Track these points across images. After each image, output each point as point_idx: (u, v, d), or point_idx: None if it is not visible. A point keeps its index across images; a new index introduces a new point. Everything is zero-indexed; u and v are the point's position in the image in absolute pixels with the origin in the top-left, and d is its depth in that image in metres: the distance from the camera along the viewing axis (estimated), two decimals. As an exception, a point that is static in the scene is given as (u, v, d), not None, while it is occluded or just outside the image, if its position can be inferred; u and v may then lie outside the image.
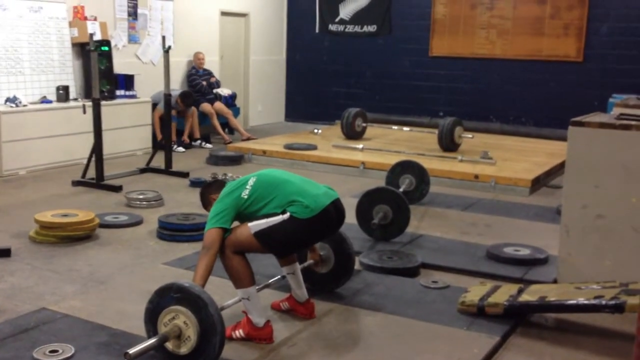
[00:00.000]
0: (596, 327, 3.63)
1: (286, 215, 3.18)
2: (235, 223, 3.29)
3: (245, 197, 3.25)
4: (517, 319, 3.63)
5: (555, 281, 4.16)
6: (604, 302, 3.38)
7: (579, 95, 9.79)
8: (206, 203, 3.53)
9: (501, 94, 10.59)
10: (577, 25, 9.88)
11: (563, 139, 4.63)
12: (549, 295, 3.61)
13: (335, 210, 3.33)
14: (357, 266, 4.50)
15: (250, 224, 3.21)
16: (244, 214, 3.27)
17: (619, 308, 3.33)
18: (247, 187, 3.28)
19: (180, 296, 2.93)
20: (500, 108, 10.60)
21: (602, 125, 3.99)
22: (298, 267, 3.62)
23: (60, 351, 3.10)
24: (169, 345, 2.94)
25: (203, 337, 2.88)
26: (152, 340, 2.91)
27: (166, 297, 2.97)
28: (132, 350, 2.79)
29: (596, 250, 3.99)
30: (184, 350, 2.92)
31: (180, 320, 2.91)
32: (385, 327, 3.56)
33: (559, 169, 7.54)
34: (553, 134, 9.60)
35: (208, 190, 3.54)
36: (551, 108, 10.12)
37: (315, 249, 3.81)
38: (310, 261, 3.80)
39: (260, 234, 3.19)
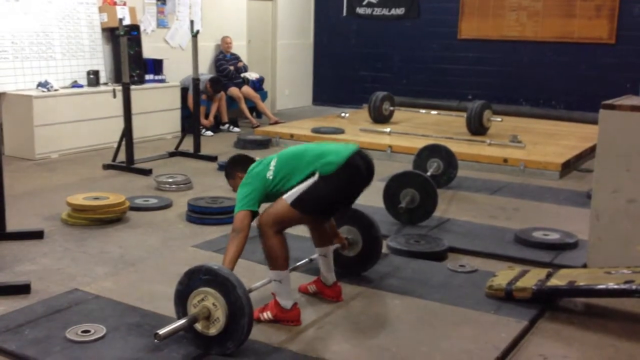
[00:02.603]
0: (626, 312, 3.60)
1: (315, 177, 3.19)
2: (263, 207, 3.31)
3: (271, 177, 3.27)
4: (546, 303, 3.61)
5: (584, 266, 4.12)
6: (634, 287, 3.34)
7: (610, 78, 9.63)
8: (231, 178, 3.54)
9: (531, 76, 10.45)
10: (609, 7, 9.69)
11: (594, 122, 4.56)
12: (578, 280, 3.58)
13: (361, 158, 3.31)
14: (384, 250, 4.51)
15: (284, 197, 3.23)
16: (272, 194, 3.29)
17: (649, 293, 3.29)
18: (271, 168, 3.30)
19: (209, 278, 2.96)
20: (530, 91, 10.47)
21: (634, 108, 3.93)
22: (331, 250, 3.64)
23: (92, 331, 3.16)
24: (198, 326, 2.99)
25: (231, 318, 2.92)
26: (181, 321, 2.95)
27: (195, 279, 3.01)
28: (162, 331, 2.84)
29: (627, 234, 3.94)
30: (213, 331, 2.96)
31: (209, 301, 2.94)
32: (412, 310, 3.57)
33: (590, 152, 7.44)
34: (584, 117, 9.46)
35: (234, 166, 3.55)
36: (582, 91, 9.96)
37: (340, 234, 3.82)
38: (337, 245, 3.81)
39: (296, 202, 3.20)
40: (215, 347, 2.99)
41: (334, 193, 3.25)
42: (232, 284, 2.92)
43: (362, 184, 3.38)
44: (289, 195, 3.22)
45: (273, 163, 3.32)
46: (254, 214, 3.24)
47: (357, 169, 3.28)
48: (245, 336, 2.95)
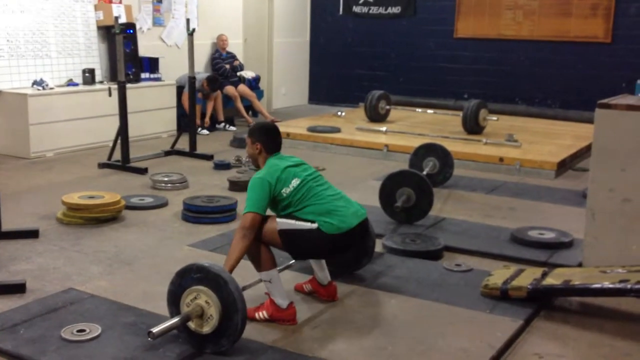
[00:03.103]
0: (621, 311, 3.60)
1: (314, 225, 3.24)
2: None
3: (285, 195, 3.30)
4: (541, 302, 3.61)
5: (580, 265, 4.13)
6: (629, 286, 3.35)
7: (606, 77, 9.64)
8: (251, 142, 3.47)
9: (527, 75, 10.46)
10: (605, 6, 9.71)
11: (590, 121, 4.57)
12: (573, 279, 3.59)
13: (360, 230, 3.40)
14: (380, 249, 4.52)
15: (278, 220, 3.28)
16: (275, 202, 3.33)
17: (644, 292, 3.30)
18: (290, 187, 3.31)
19: (201, 276, 2.97)
20: (526, 90, 10.48)
21: (630, 108, 3.93)
22: None
23: (88, 330, 3.15)
24: (192, 324, 2.99)
25: (225, 315, 2.92)
26: (174, 320, 2.95)
27: (187, 277, 3.01)
28: (155, 329, 2.84)
29: (622, 234, 3.95)
30: (206, 329, 2.96)
31: (201, 299, 2.95)
32: (407, 309, 3.57)
33: (586, 151, 7.46)
34: (580, 116, 9.47)
35: (260, 136, 3.45)
36: (578, 90, 9.98)
37: None
38: None
39: (284, 233, 3.25)
40: (210, 345, 2.99)
41: (320, 248, 3.34)
42: (223, 281, 2.92)
43: (351, 249, 3.56)
44: (283, 222, 3.27)
45: (294, 183, 3.32)
46: (262, 218, 3.26)
47: (352, 238, 3.38)
48: (239, 333, 2.95)
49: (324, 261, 3.63)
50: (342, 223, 3.29)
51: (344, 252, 3.58)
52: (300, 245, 3.30)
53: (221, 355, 2.98)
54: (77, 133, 7.60)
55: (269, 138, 3.47)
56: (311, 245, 3.30)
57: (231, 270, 3.09)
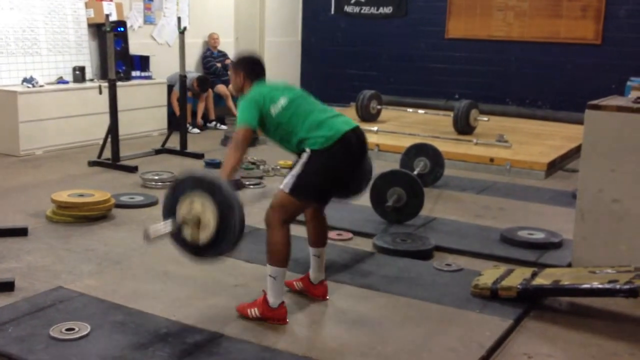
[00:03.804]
0: (610, 312, 3.62)
1: (307, 154, 3.21)
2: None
3: (274, 115, 3.29)
4: (531, 302, 3.63)
5: (569, 265, 4.15)
6: (618, 287, 3.37)
7: (596, 79, 9.68)
8: (234, 71, 3.49)
9: (518, 76, 10.48)
10: (595, 7, 9.75)
11: (580, 122, 4.59)
12: (562, 279, 3.60)
13: (355, 137, 3.32)
14: (370, 248, 4.52)
15: (282, 186, 3.26)
16: (265, 124, 3.33)
17: (633, 292, 3.32)
18: (278, 105, 3.29)
19: (194, 184, 2.95)
20: (517, 91, 10.50)
21: (619, 109, 3.96)
22: (324, 252, 3.65)
23: (77, 329, 3.14)
24: (189, 235, 2.94)
25: (222, 218, 2.87)
26: (170, 221, 2.94)
27: (181, 187, 2.99)
28: (150, 230, 2.85)
29: (611, 234, 3.97)
30: (204, 237, 2.91)
31: (197, 204, 2.91)
32: (398, 309, 3.57)
33: (575, 152, 7.48)
34: (570, 117, 9.50)
35: (244, 65, 3.49)
36: (568, 91, 10.01)
37: None
38: None
39: (294, 189, 3.22)
40: (210, 251, 2.95)
41: (327, 170, 3.25)
42: (218, 185, 2.90)
43: (354, 160, 3.37)
44: (286, 184, 3.24)
45: (282, 103, 3.30)
46: (253, 130, 3.26)
47: (350, 144, 3.27)
48: (238, 235, 2.90)
49: (324, 263, 3.63)
50: (331, 131, 3.23)
51: (351, 165, 3.37)
52: (312, 183, 3.24)
53: (219, 258, 2.98)
54: (67, 131, 7.56)
55: (251, 64, 3.49)
56: (319, 174, 3.23)
57: (228, 175, 3.09)
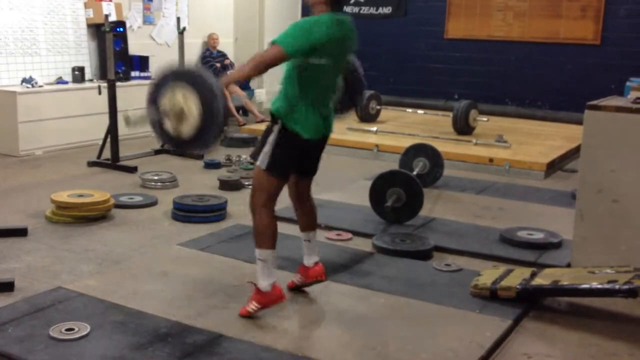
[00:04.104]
0: (609, 312, 3.62)
1: (277, 128, 3.24)
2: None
3: (307, 63, 3.20)
4: (530, 302, 3.63)
5: (568, 265, 4.15)
6: (617, 287, 3.37)
7: (596, 79, 9.68)
8: None
9: (517, 76, 10.49)
10: (595, 7, 9.75)
11: (579, 122, 4.59)
12: (562, 279, 3.60)
13: (321, 140, 3.42)
14: (369, 248, 4.53)
15: (257, 163, 3.29)
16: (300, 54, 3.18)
17: (632, 293, 3.32)
18: (319, 61, 3.20)
19: (175, 76, 2.94)
20: (516, 91, 10.51)
21: (619, 109, 3.96)
22: (315, 235, 3.67)
23: (76, 329, 3.14)
24: (171, 126, 2.93)
25: (205, 105, 2.86)
26: (152, 111, 2.94)
27: (162, 81, 2.97)
28: (131, 112, 2.85)
29: (611, 235, 3.97)
30: (187, 128, 2.90)
31: (178, 96, 2.89)
32: (397, 309, 3.57)
33: (575, 152, 7.48)
34: (569, 117, 9.52)
35: None
36: (568, 91, 10.01)
37: None
38: None
39: (270, 163, 3.25)
40: (197, 143, 2.94)
41: (295, 151, 3.32)
42: (198, 74, 2.90)
43: (314, 155, 3.49)
44: (262, 161, 3.27)
45: (322, 61, 3.21)
46: (283, 52, 3.09)
47: (308, 149, 3.36)
48: (222, 120, 2.87)
49: (316, 246, 3.66)
50: (308, 130, 3.26)
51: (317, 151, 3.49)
52: (286, 159, 3.28)
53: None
54: (66, 131, 7.55)
55: None
56: (290, 150, 3.28)
57: (229, 83, 3.07)
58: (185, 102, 2.88)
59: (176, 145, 3.00)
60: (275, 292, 3.33)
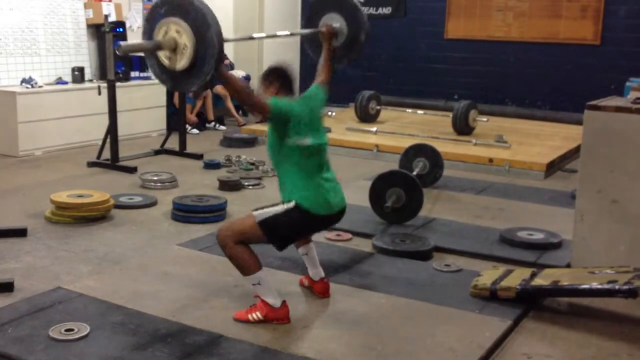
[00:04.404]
0: (609, 312, 3.62)
1: (292, 204, 3.21)
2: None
3: (291, 143, 3.23)
4: (530, 303, 3.63)
5: (568, 265, 4.15)
6: (617, 287, 3.37)
7: (595, 79, 9.68)
8: (265, 81, 3.38)
9: (517, 77, 10.49)
10: (594, 8, 9.75)
11: (579, 123, 4.59)
12: (562, 280, 3.60)
13: (337, 218, 3.43)
14: (369, 249, 4.53)
15: (254, 213, 3.25)
16: (282, 137, 3.24)
17: (632, 293, 3.32)
18: (302, 141, 3.23)
19: (167, 8, 2.89)
20: (516, 91, 10.50)
21: (618, 109, 3.96)
22: (313, 247, 3.67)
23: (76, 330, 3.14)
24: (165, 59, 2.89)
25: (198, 37, 2.82)
26: (147, 42, 2.88)
27: (155, 16, 2.93)
28: (124, 43, 2.84)
29: (610, 235, 3.97)
30: (184, 62, 2.86)
31: (172, 31, 2.86)
32: (397, 309, 3.57)
33: (575, 153, 7.48)
34: (569, 117, 9.51)
35: (276, 77, 3.37)
36: (567, 91, 10.01)
37: (327, 24, 3.93)
38: (322, 29, 3.89)
39: (264, 223, 3.21)
40: (194, 79, 2.88)
41: (302, 228, 3.33)
42: (189, 2, 2.85)
43: (332, 224, 3.53)
44: (260, 214, 3.23)
45: (307, 142, 3.25)
46: (268, 108, 3.14)
47: (331, 221, 3.41)
48: (218, 50, 2.82)
49: (316, 258, 3.66)
50: (324, 207, 3.26)
51: (325, 228, 3.55)
52: (282, 230, 3.25)
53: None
54: (66, 131, 7.56)
55: (285, 77, 3.39)
56: (294, 227, 3.27)
57: (226, 78, 3.07)
58: (180, 37, 2.84)
59: (172, 79, 2.93)
60: (284, 310, 3.32)
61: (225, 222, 3.26)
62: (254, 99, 3.19)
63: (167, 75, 2.96)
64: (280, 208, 3.22)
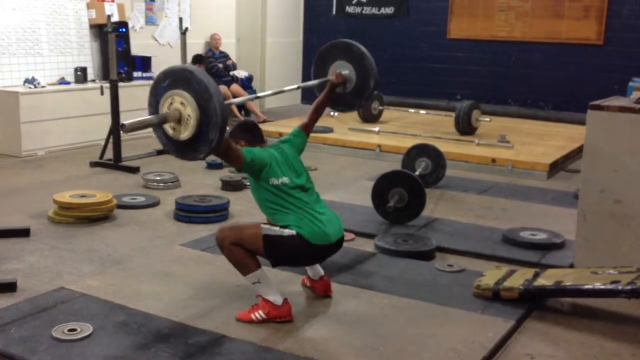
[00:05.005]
0: (612, 312, 3.62)
1: (294, 232, 3.24)
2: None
3: (271, 185, 3.30)
4: (533, 303, 3.62)
5: (571, 266, 4.14)
6: (620, 287, 3.36)
7: (598, 79, 9.67)
8: (233, 140, 3.43)
9: (520, 77, 10.48)
10: (597, 8, 9.74)
11: (582, 123, 4.58)
12: (565, 280, 3.60)
13: (336, 246, 3.43)
14: (372, 249, 4.52)
15: (263, 225, 3.28)
16: (259, 185, 3.33)
17: (635, 293, 3.32)
18: (279, 181, 3.31)
19: (170, 81, 2.94)
20: (519, 91, 10.50)
21: (621, 109, 3.95)
22: None
23: (79, 330, 3.14)
24: (170, 130, 2.94)
25: (201, 108, 2.87)
26: (151, 117, 2.93)
27: (158, 89, 2.98)
28: (128, 122, 2.84)
29: (613, 235, 3.97)
30: (186, 133, 2.91)
31: (176, 103, 2.91)
32: (400, 309, 3.57)
33: (577, 153, 7.48)
34: (572, 117, 9.50)
35: (242, 133, 3.49)
36: (570, 91, 10.01)
37: (336, 72, 4.00)
38: (330, 77, 3.96)
39: (267, 238, 3.23)
40: (200, 144, 2.92)
41: (302, 255, 3.35)
42: (189, 72, 2.90)
43: (332, 254, 3.51)
44: (268, 228, 3.27)
45: (284, 181, 3.32)
46: (244, 158, 3.21)
47: (330, 249, 3.41)
48: (220, 118, 2.85)
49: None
50: (320, 237, 3.28)
51: (322, 261, 3.56)
52: (280, 251, 3.29)
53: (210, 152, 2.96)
54: (68, 132, 7.57)
55: (249, 132, 3.51)
56: (291, 252, 3.30)
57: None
58: (184, 108, 2.90)
59: (178, 149, 2.99)
60: (286, 307, 3.33)
61: (227, 225, 3.26)
62: (230, 151, 3.18)
63: (175, 145, 3.02)
64: (286, 232, 3.26)
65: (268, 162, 3.31)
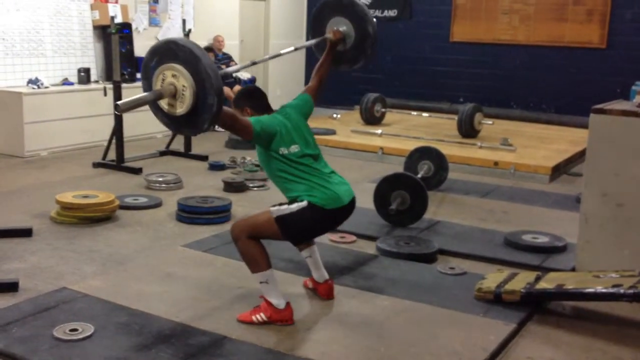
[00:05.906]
0: (614, 316, 3.62)
1: (304, 203, 3.20)
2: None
3: (281, 154, 3.24)
4: (534, 306, 3.62)
5: (573, 269, 4.14)
6: (622, 291, 3.36)
7: (601, 82, 9.67)
8: (238, 109, 3.39)
9: (522, 80, 10.48)
10: (600, 11, 9.75)
11: (584, 126, 4.58)
12: (566, 283, 3.59)
13: (350, 208, 3.37)
14: (373, 251, 4.52)
15: (271, 209, 3.25)
16: (269, 155, 3.27)
17: (637, 297, 3.31)
18: (289, 150, 3.26)
19: (158, 58, 2.89)
20: (521, 94, 10.50)
21: (624, 113, 3.95)
22: (316, 249, 3.67)
23: (80, 330, 3.14)
24: (166, 106, 2.90)
25: (192, 73, 2.81)
26: (146, 94, 2.87)
27: (149, 71, 2.94)
28: (121, 102, 2.80)
29: (615, 239, 3.96)
30: (183, 106, 2.85)
31: (169, 77, 2.85)
32: (401, 312, 3.57)
33: (580, 156, 7.48)
34: (574, 121, 9.50)
35: (246, 100, 3.42)
36: (573, 95, 10.01)
37: (334, 30, 3.88)
38: (328, 35, 3.86)
39: (281, 219, 3.21)
40: (202, 112, 2.86)
41: (316, 224, 3.30)
42: (173, 43, 2.84)
43: (342, 221, 3.46)
44: (277, 210, 3.23)
45: (293, 149, 3.27)
46: (252, 129, 3.14)
47: (343, 213, 3.35)
48: (214, 79, 2.78)
49: (319, 260, 3.66)
50: (333, 200, 3.24)
51: (337, 225, 3.49)
52: (298, 226, 3.24)
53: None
54: (71, 132, 7.58)
55: (254, 99, 3.43)
56: (306, 224, 3.25)
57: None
58: (177, 80, 2.84)
59: (181, 124, 2.95)
60: (288, 311, 3.32)
61: (241, 218, 3.23)
62: (237, 122, 3.13)
63: (177, 122, 2.96)
64: (295, 206, 3.21)
65: (277, 130, 3.25)
